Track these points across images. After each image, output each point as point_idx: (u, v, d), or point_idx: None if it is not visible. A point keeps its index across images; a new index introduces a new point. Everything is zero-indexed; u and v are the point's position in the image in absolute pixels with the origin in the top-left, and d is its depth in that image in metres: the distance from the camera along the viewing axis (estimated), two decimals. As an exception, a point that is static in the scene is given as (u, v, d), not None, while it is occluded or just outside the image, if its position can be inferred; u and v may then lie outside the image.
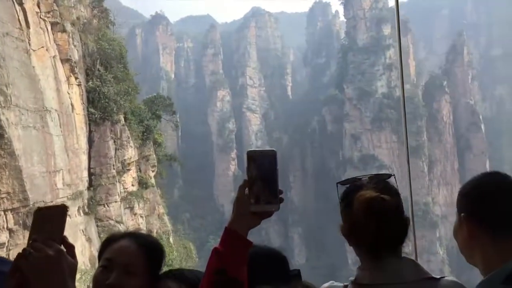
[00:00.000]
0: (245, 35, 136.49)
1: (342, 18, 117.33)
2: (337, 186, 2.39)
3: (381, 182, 2.33)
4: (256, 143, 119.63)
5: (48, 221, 1.71)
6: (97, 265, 2.39)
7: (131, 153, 34.26)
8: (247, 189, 1.94)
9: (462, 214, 2.17)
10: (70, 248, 1.72)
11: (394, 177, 2.38)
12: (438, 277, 2.18)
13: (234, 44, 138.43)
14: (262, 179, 1.92)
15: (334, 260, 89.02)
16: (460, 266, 75.25)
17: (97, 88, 32.35)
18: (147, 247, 2.37)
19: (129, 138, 34.04)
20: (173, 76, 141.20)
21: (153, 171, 37.13)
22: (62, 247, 1.70)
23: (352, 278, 2.27)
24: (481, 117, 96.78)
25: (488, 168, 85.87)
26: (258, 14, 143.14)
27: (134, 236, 2.42)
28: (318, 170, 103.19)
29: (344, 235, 2.31)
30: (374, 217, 2.17)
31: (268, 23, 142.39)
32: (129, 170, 33.75)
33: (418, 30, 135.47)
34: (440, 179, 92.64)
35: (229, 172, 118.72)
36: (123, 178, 33.53)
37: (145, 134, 37.26)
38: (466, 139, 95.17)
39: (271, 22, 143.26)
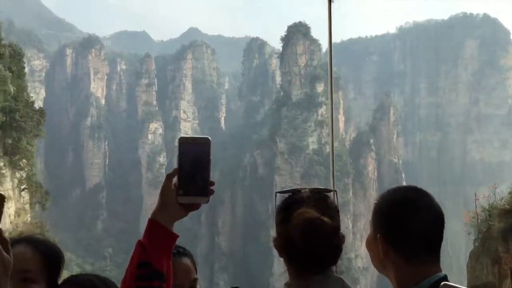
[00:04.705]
0: (181, 67, 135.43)
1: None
2: (275, 195, 2.29)
3: (322, 199, 2.22)
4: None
5: None
6: None
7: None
8: (175, 178, 1.81)
9: (379, 235, 2.14)
10: (4, 243, 1.56)
11: (335, 193, 2.28)
12: None
13: (170, 74, 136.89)
14: (193, 168, 1.78)
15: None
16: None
17: None
18: (44, 253, 2.23)
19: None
20: (103, 102, 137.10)
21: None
22: None
23: None
24: (403, 175, 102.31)
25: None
26: (196, 44, 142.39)
27: (30, 241, 2.27)
28: (247, 215, 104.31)
29: (276, 247, 2.22)
30: (311, 238, 2.08)
31: (205, 55, 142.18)
32: None
33: (348, 72, 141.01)
34: (363, 232, 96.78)
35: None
36: None
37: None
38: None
39: (208, 54, 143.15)
